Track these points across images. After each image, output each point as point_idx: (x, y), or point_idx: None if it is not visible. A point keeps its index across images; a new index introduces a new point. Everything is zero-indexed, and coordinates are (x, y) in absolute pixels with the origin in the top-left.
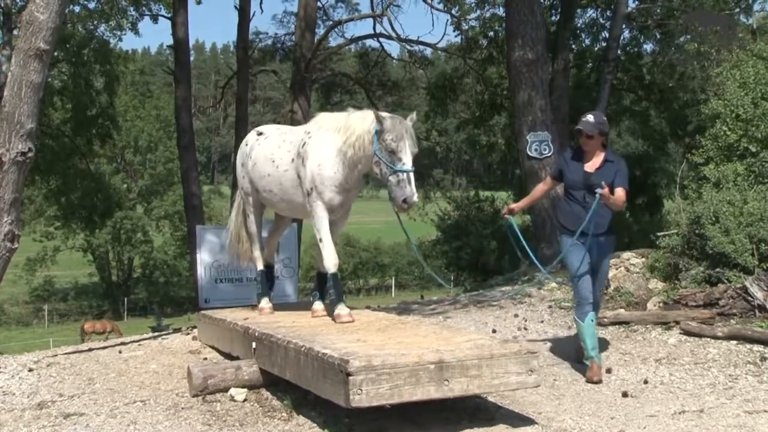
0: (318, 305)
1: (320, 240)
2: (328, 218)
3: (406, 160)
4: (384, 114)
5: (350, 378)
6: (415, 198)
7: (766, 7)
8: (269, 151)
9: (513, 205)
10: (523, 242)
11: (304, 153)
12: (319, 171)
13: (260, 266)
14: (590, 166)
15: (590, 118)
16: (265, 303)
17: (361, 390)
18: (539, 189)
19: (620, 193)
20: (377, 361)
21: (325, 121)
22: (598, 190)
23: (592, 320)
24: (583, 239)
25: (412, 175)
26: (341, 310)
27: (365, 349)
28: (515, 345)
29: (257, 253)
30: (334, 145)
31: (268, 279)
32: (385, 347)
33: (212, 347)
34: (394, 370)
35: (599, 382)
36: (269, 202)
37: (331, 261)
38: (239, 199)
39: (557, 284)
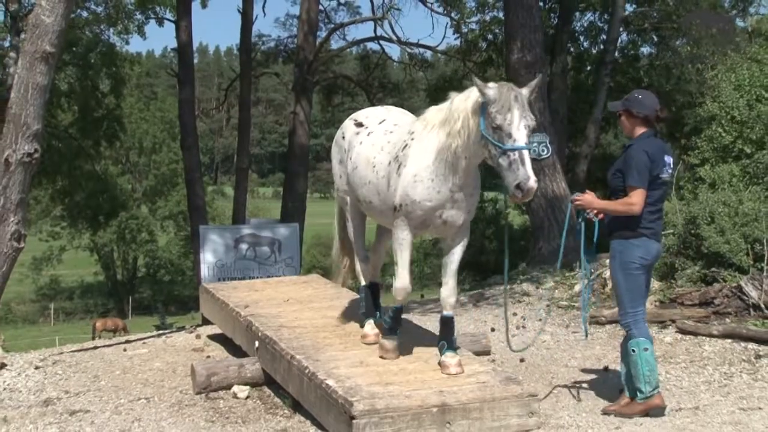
0: (369, 329)
1: (396, 263)
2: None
3: (518, 136)
4: (486, 84)
5: (354, 421)
6: (532, 182)
7: (761, 10)
8: (371, 153)
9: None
10: (582, 246)
11: (402, 158)
12: (413, 185)
13: (364, 281)
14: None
15: (629, 95)
16: (369, 329)
17: None
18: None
19: (626, 196)
20: (381, 405)
21: (432, 117)
22: (572, 197)
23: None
24: (588, 257)
25: (526, 153)
26: (389, 341)
27: (368, 382)
28: (517, 387)
29: (360, 267)
30: (436, 146)
31: (374, 298)
32: (389, 379)
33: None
34: (398, 413)
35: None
36: (370, 213)
37: (400, 293)
38: (338, 201)
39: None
